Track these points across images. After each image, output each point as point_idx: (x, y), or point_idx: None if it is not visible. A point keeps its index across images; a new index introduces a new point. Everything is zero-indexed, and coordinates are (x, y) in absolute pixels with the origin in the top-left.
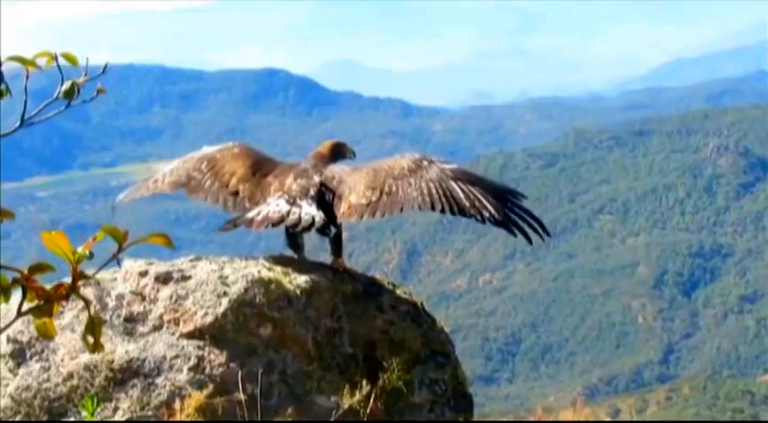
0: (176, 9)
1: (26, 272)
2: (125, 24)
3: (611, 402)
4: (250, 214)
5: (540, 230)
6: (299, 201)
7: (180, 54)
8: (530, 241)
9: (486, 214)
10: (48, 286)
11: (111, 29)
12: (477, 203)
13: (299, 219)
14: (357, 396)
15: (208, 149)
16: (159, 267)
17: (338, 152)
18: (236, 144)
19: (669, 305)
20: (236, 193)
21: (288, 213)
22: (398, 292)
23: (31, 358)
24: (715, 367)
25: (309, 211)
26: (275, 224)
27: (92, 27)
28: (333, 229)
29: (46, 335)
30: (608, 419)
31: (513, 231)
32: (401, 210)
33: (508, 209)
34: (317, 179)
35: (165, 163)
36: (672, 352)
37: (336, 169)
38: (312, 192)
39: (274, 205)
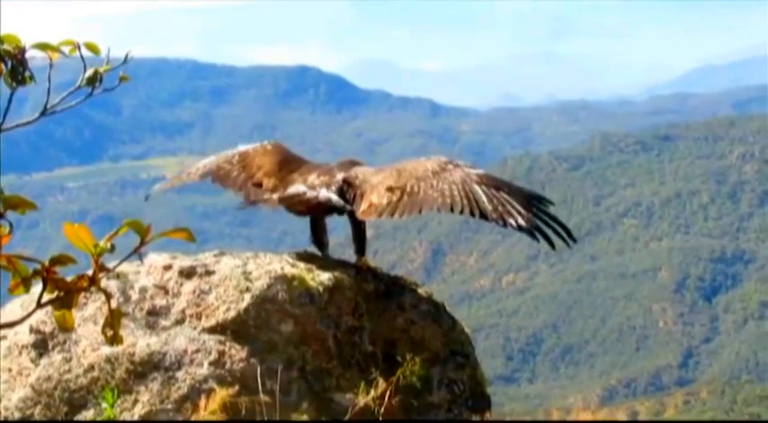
0: (212, 5)
1: (47, 263)
2: (163, 19)
3: (630, 405)
4: (267, 195)
5: (566, 237)
6: (317, 188)
7: (214, 49)
8: (552, 246)
9: (510, 219)
10: (69, 278)
11: (150, 24)
12: (500, 208)
13: (316, 198)
14: (374, 394)
15: (242, 147)
16: (183, 262)
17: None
18: (270, 143)
19: (690, 309)
20: (259, 185)
21: (304, 194)
22: (420, 291)
23: (53, 349)
24: (733, 372)
25: (326, 194)
26: (290, 199)
27: (131, 22)
28: (347, 207)
29: (64, 326)
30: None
31: (536, 237)
32: (420, 210)
33: (533, 214)
34: (339, 177)
35: (198, 158)
36: (691, 356)
37: (360, 169)
38: (334, 188)
39: (293, 188)
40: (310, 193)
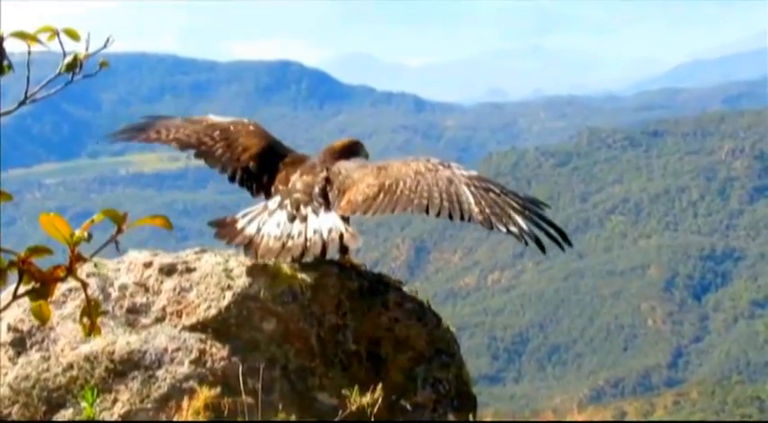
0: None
1: (23, 254)
2: (144, 14)
3: (618, 405)
4: (249, 230)
5: (561, 240)
6: (302, 209)
7: (195, 44)
8: (543, 250)
9: (498, 223)
10: (45, 269)
11: (130, 18)
12: (487, 210)
13: (305, 244)
14: (361, 394)
15: (215, 118)
16: (164, 259)
17: (352, 151)
18: (250, 121)
19: (679, 308)
20: (245, 169)
21: (290, 237)
22: (404, 289)
23: (31, 348)
24: (724, 372)
25: (318, 225)
26: (277, 255)
27: (111, 15)
28: (357, 241)
29: (41, 318)
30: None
31: (526, 240)
32: (394, 210)
33: (525, 217)
34: (322, 175)
35: (161, 117)
36: (680, 355)
37: (343, 165)
38: (317, 189)
39: (274, 223)
40: (297, 241)
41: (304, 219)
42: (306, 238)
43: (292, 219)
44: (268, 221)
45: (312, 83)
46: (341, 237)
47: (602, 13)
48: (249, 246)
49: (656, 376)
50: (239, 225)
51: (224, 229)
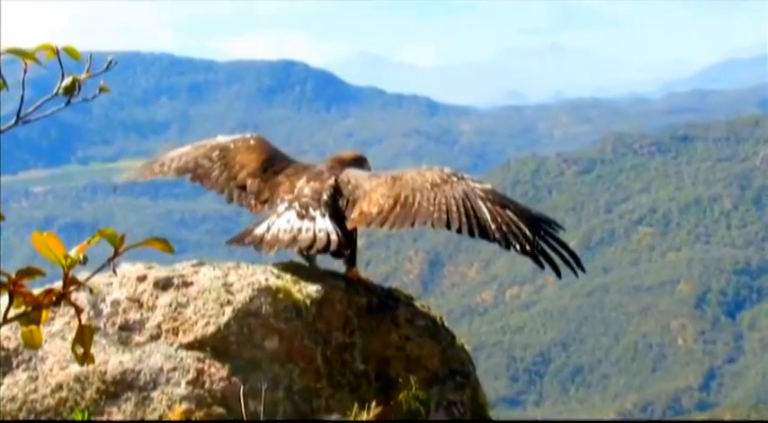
0: None
1: (14, 276)
2: (137, 9)
3: None
4: (259, 230)
5: (575, 265)
6: (311, 211)
7: (193, 42)
8: (558, 274)
9: (514, 241)
10: (36, 291)
11: (123, 14)
12: (504, 228)
13: (314, 238)
14: (369, 416)
15: (222, 138)
16: (159, 272)
17: (359, 164)
18: (252, 136)
19: (711, 326)
20: (243, 187)
21: (299, 231)
22: (416, 305)
23: (17, 367)
24: (760, 395)
25: (324, 226)
26: (287, 246)
27: (102, 11)
28: (347, 252)
29: (32, 344)
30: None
31: (541, 262)
32: (413, 223)
33: (540, 238)
34: (330, 182)
35: (175, 147)
36: (713, 377)
37: (353, 173)
38: (325, 196)
39: (284, 220)
40: (306, 235)
41: (312, 219)
42: (314, 234)
43: (302, 217)
44: (277, 221)
45: (318, 84)
46: (341, 245)
47: (626, 8)
48: (260, 242)
49: (686, 399)
50: (250, 228)
51: (236, 237)
